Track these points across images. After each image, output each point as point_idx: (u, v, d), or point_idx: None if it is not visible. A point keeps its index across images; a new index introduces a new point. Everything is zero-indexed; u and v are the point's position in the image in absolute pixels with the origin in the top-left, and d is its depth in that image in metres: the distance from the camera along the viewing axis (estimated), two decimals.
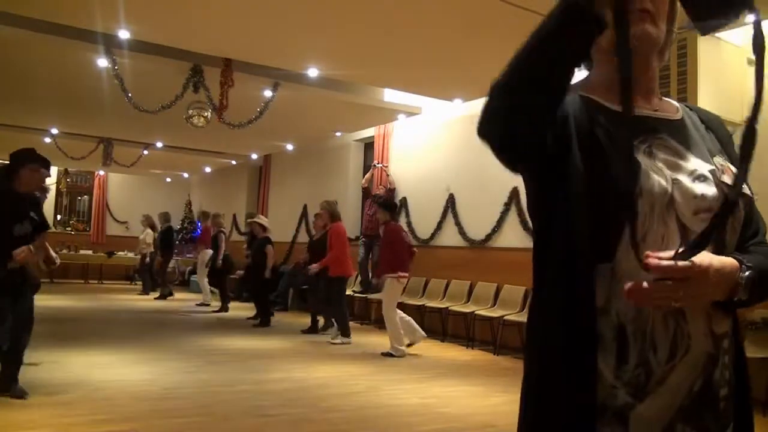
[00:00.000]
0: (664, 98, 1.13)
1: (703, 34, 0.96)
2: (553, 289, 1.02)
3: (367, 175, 10.07)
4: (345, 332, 7.56)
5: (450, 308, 7.95)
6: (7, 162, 4.40)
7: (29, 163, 4.32)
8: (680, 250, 0.90)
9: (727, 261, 0.94)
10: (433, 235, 9.00)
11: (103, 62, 7.27)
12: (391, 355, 6.73)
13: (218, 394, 4.79)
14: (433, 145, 9.15)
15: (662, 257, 0.89)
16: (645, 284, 0.89)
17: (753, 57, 0.91)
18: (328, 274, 7.60)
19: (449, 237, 8.75)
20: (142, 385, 4.98)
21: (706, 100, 4.64)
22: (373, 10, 5.56)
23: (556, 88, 0.93)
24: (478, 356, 7.16)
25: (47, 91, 9.04)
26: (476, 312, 7.50)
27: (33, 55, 7.27)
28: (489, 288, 7.79)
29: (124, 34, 6.58)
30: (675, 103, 1.14)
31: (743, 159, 0.88)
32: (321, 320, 8.41)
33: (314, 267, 7.72)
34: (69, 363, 5.59)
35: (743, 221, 1.04)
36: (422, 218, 9.23)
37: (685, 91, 4.76)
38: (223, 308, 10.30)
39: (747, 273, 0.95)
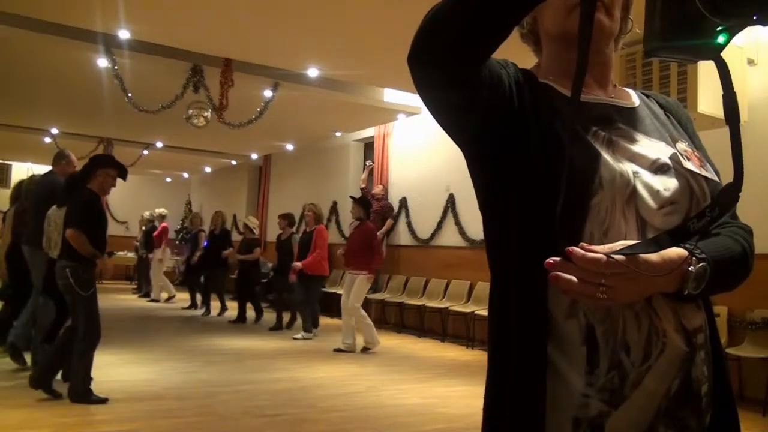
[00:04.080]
0: (619, 87, 1.09)
1: (649, 56, 0.86)
2: (506, 288, 0.98)
3: (363, 175, 10.13)
4: (315, 325, 8.00)
5: (450, 308, 7.95)
6: (85, 165, 4.60)
7: (107, 167, 4.55)
8: (631, 244, 0.86)
9: (671, 254, 0.86)
10: (433, 235, 9.00)
11: (103, 62, 7.27)
12: (368, 350, 6.92)
13: (218, 394, 4.79)
14: (433, 145, 9.15)
15: (596, 250, 0.83)
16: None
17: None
18: (306, 273, 7.87)
19: (449, 237, 8.75)
20: (142, 385, 4.98)
21: (706, 100, 4.63)
22: (374, 11, 5.56)
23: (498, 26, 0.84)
24: (478, 356, 7.15)
25: (47, 91, 9.04)
26: (476, 312, 7.50)
27: (33, 54, 7.27)
28: (489, 288, 7.77)
29: (124, 34, 6.58)
30: (630, 90, 1.10)
31: (736, 161, 0.81)
32: (286, 317, 8.85)
33: (298, 265, 7.92)
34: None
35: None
36: (422, 218, 9.23)
37: (685, 91, 4.75)
38: (192, 305, 10.65)
39: (697, 266, 0.88)
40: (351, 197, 7.81)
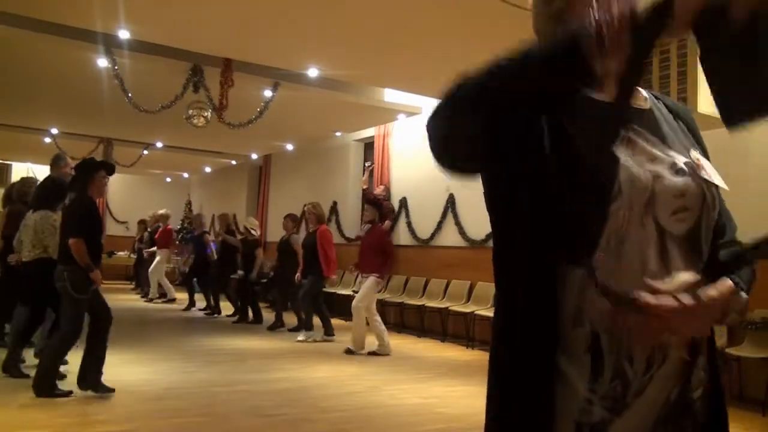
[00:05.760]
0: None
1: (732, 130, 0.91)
2: (513, 292, 0.96)
3: (364, 177, 10.16)
4: (311, 328, 7.78)
5: (450, 308, 7.96)
6: (78, 172, 4.68)
7: (100, 170, 4.65)
8: (685, 278, 0.88)
9: (725, 287, 0.90)
10: (433, 235, 9.00)
11: (103, 62, 7.26)
12: (351, 352, 6.85)
13: (218, 394, 4.79)
14: None
15: (660, 290, 0.84)
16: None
17: None
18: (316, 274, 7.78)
19: (449, 237, 8.75)
20: (142, 385, 4.98)
21: (706, 101, 4.63)
22: (373, 11, 5.56)
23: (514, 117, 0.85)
24: (478, 356, 7.15)
25: (47, 91, 9.04)
26: (476, 312, 7.50)
27: (33, 54, 7.27)
28: (489, 288, 7.78)
29: (124, 34, 6.58)
30: (642, 91, 1.08)
31: None
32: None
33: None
34: (69, 363, 5.57)
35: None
36: (422, 218, 9.23)
37: (685, 91, 4.74)
38: (190, 305, 10.71)
39: (744, 296, 0.91)
40: (364, 198, 7.71)
